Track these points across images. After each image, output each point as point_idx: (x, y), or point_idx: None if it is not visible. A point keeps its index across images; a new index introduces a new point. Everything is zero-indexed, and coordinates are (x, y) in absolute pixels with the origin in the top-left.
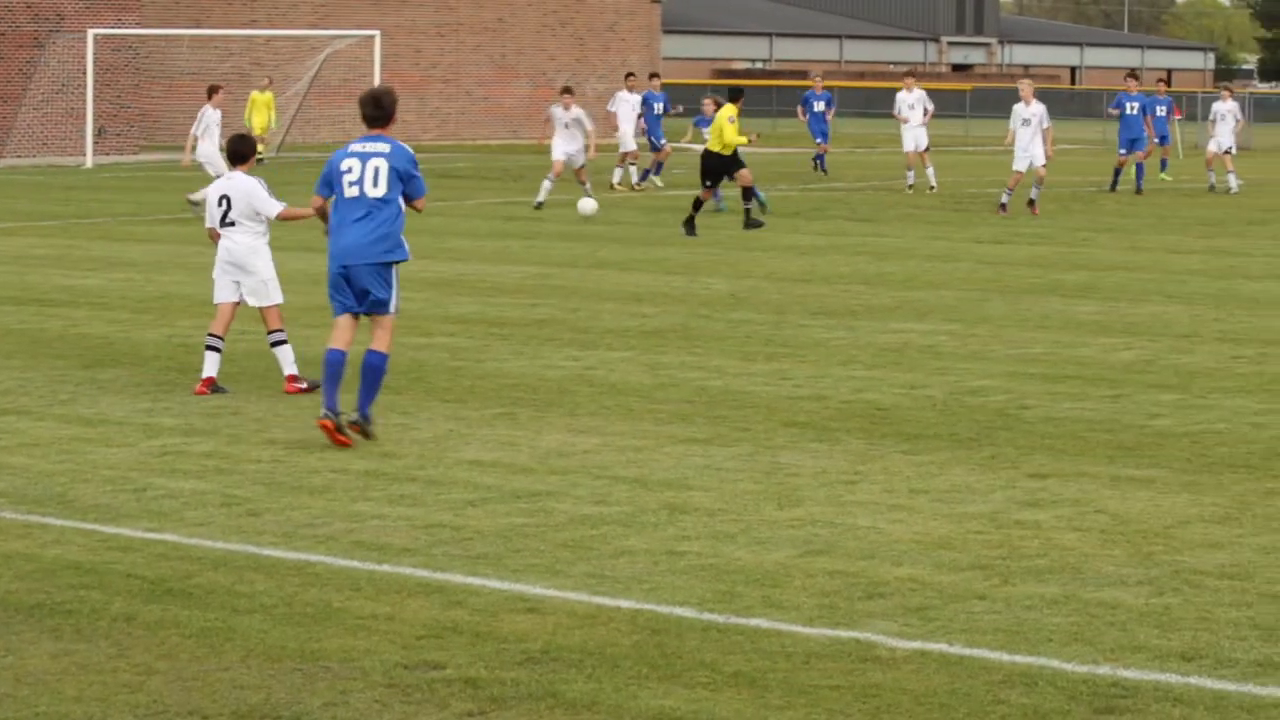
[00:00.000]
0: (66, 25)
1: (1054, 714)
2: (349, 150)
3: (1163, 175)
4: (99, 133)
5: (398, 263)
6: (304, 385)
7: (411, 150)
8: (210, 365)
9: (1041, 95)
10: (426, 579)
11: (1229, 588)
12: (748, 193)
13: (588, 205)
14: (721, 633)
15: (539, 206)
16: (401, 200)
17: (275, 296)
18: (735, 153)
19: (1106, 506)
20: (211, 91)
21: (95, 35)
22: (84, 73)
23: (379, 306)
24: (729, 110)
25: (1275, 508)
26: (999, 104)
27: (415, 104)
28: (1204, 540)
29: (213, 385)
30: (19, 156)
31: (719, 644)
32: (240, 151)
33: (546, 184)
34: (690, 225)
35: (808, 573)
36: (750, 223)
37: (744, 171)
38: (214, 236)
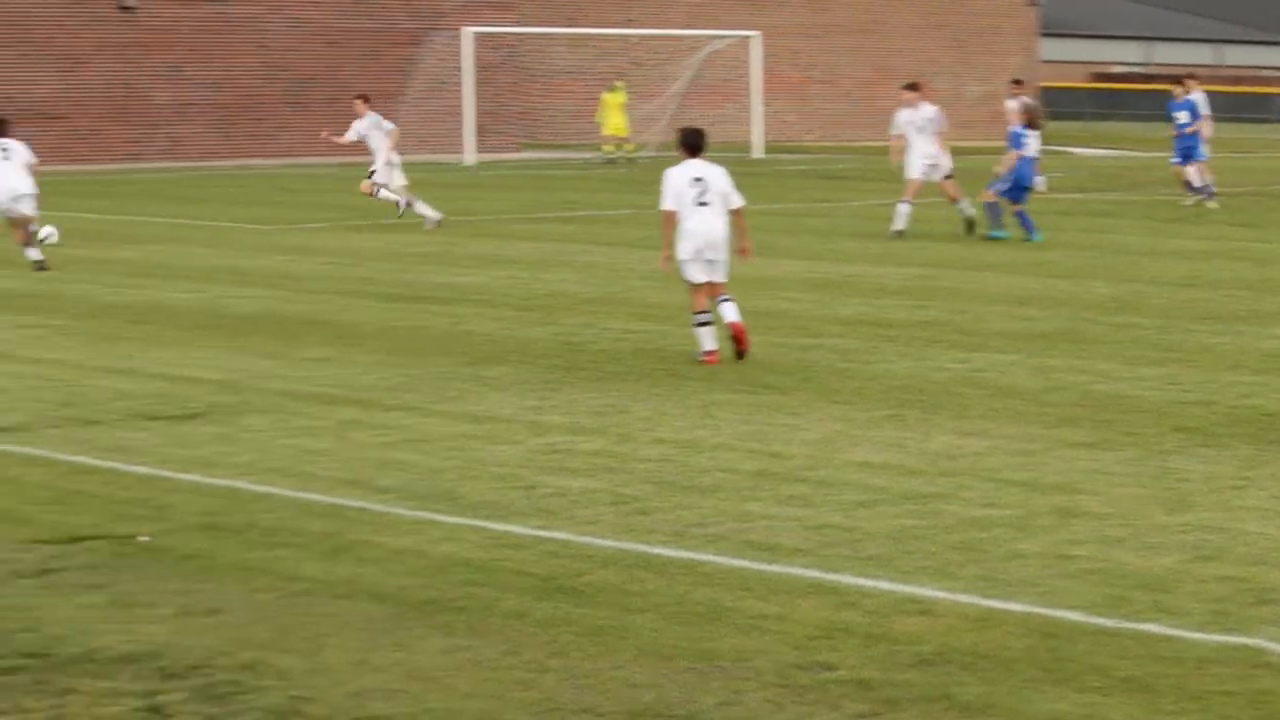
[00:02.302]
0: (444, 23)
1: None
2: None
3: None
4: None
5: None
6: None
7: None
8: (709, 339)
9: None
10: (818, 580)
11: None
12: None
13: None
14: (1112, 637)
15: (899, 235)
16: None
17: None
18: None
19: None
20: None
21: (473, 34)
22: (461, 70)
23: None
24: None
25: None
26: None
27: (796, 105)
28: None
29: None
30: (398, 153)
31: (1109, 648)
32: (694, 144)
33: (904, 209)
34: None
35: (1198, 578)
36: None
37: None
38: (670, 220)
